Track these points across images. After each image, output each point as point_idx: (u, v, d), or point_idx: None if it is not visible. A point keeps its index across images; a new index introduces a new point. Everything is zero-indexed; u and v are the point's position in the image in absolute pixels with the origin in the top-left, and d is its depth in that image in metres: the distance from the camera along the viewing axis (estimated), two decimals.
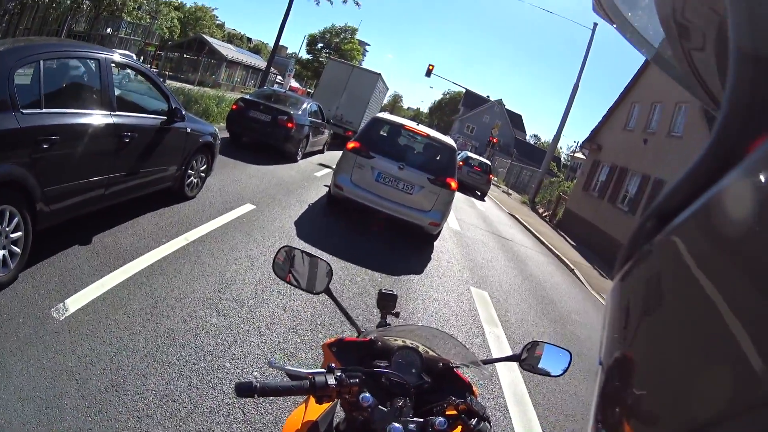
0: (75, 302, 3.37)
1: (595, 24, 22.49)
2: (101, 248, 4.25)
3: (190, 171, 6.06)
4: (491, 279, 7.67)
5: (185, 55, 40.80)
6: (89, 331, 3.12)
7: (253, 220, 6.19)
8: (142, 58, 35.69)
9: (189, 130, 5.70)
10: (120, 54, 4.70)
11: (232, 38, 58.61)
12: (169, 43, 39.65)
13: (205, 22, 49.44)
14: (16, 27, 23.83)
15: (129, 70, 5.11)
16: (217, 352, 3.30)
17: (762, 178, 0.28)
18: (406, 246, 7.50)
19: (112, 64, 4.30)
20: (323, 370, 1.15)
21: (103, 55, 4.17)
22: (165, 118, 5.18)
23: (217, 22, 55.96)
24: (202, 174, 6.46)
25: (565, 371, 1.57)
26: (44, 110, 3.47)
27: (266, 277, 4.62)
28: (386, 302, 1.65)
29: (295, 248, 1.68)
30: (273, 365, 1.19)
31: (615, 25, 0.59)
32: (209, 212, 5.97)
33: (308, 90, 41.93)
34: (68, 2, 23.51)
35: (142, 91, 5.43)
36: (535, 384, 4.50)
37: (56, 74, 3.88)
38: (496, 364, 4.49)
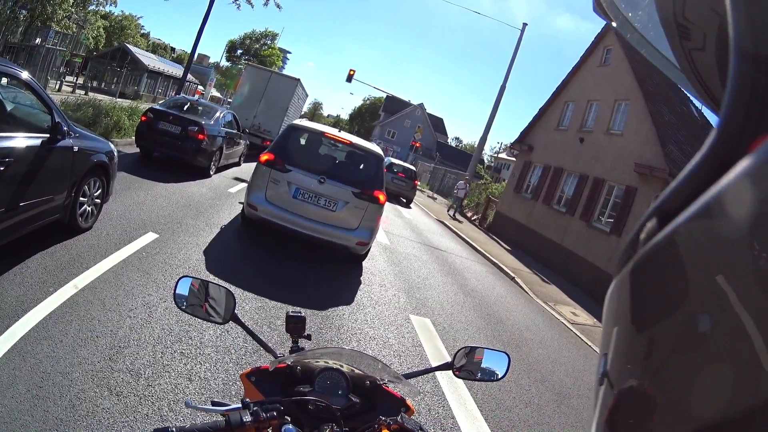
0: None
1: (525, 24, 22.69)
2: None
3: (82, 198, 5.15)
4: (431, 301, 7.14)
5: (109, 67, 38.96)
6: None
7: (154, 254, 5.35)
8: (68, 69, 33.58)
9: (76, 148, 4.80)
10: None
11: (157, 48, 56.36)
12: (94, 53, 37.66)
13: (130, 31, 47.78)
14: None
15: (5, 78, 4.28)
16: None
17: (762, 178, 0.28)
18: (331, 270, 6.93)
19: None
20: (238, 405, 1.10)
21: None
22: (48, 136, 4.33)
23: (142, 31, 54.12)
24: (98, 200, 5.56)
25: (505, 374, 1.52)
26: None
27: (166, 332, 3.84)
28: (295, 325, 1.55)
29: (195, 277, 1.56)
30: (189, 405, 1.10)
31: (615, 25, 0.56)
32: (105, 247, 5.10)
33: (228, 99, 40.67)
34: (8, 12, 21.60)
35: (22, 104, 4.58)
36: (484, 395, 4.52)
37: None
38: (442, 379, 4.42)
